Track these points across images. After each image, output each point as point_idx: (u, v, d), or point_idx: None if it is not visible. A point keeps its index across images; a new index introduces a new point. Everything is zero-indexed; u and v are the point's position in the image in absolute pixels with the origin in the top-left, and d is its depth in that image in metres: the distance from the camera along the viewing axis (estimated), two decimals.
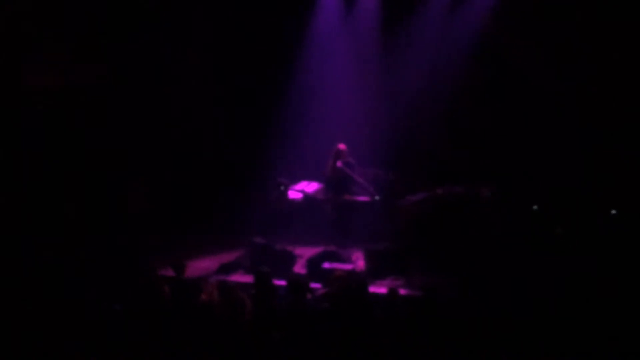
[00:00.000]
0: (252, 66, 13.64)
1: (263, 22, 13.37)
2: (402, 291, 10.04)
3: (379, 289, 10.05)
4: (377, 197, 11.62)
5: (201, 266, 11.56)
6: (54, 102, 12.71)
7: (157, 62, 13.66)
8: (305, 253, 11.68)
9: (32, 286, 9.51)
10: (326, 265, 10.71)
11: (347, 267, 10.70)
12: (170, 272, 9.95)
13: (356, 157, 11.88)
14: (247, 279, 10.58)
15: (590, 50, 12.19)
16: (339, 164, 11.65)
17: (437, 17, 13.03)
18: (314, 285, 10.10)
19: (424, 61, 13.02)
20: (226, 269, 11.43)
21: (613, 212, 11.54)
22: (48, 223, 12.15)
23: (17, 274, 10.09)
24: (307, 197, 12.16)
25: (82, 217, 12.77)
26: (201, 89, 14.20)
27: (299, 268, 11.32)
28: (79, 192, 12.92)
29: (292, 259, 11.38)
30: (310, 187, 12.39)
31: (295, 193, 12.25)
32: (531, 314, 8.39)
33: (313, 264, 10.98)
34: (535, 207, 11.68)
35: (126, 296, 9.03)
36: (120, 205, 13.38)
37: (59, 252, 11.14)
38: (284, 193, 12.18)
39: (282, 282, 9.25)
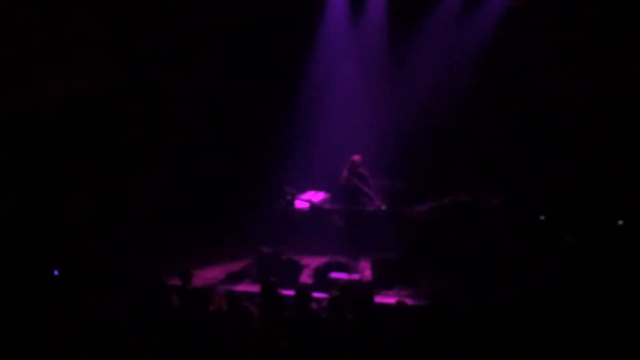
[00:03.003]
0: (260, 74, 13.64)
1: (271, 31, 13.38)
2: (410, 301, 10.06)
3: (386, 299, 10.04)
4: (383, 207, 11.63)
5: (208, 275, 11.54)
6: (63, 109, 12.73)
7: (166, 68, 13.67)
8: (311, 263, 11.67)
9: (35, 295, 9.52)
10: (333, 275, 10.70)
11: (354, 276, 10.70)
12: (177, 282, 9.96)
13: (364, 166, 11.88)
14: (254, 288, 10.57)
15: (601, 60, 12.20)
16: (344, 173, 11.64)
17: (445, 25, 13.05)
18: (321, 295, 10.11)
19: (432, 71, 13.04)
20: (233, 278, 11.43)
21: (620, 222, 11.51)
22: (54, 230, 12.16)
23: (22, 281, 10.11)
24: (314, 207, 12.16)
25: (88, 223, 12.79)
26: (209, 98, 14.22)
27: (306, 278, 11.32)
28: (85, 198, 12.93)
29: (298, 268, 11.37)
30: (317, 196, 12.40)
31: (302, 203, 12.26)
32: (539, 321, 8.38)
33: (320, 273, 10.98)
34: (542, 216, 11.66)
35: (133, 304, 9.03)
36: (126, 212, 13.37)
37: (65, 261, 11.17)
38: (291, 202, 12.19)
39: (290, 292, 9.25)
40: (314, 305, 9.05)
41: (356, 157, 11.76)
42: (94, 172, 12.92)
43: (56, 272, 10.18)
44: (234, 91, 14.02)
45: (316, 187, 12.64)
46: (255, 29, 13.48)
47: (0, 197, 11.86)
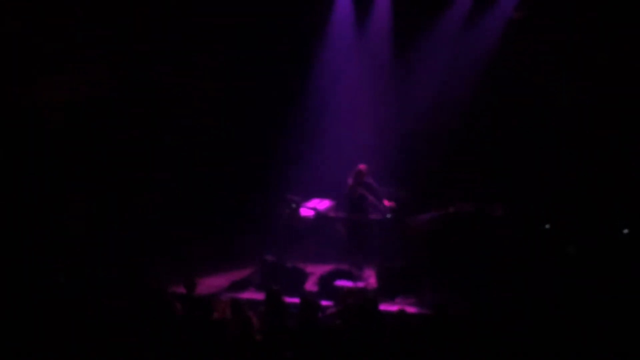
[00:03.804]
0: (265, 82, 13.64)
1: (275, 34, 13.39)
2: (414, 309, 10.06)
3: (390, 307, 10.02)
4: (388, 216, 11.61)
5: (212, 283, 11.53)
6: (64, 110, 12.76)
7: (166, 68, 13.65)
8: (316, 271, 11.66)
9: (36, 296, 9.53)
10: (338, 283, 10.69)
11: (359, 284, 10.69)
12: (181, 289, 9.96)
13: (370, 175, 11.86)
14: (259, 296, 10.57)
15: (601, 60, 12.18)
16: (359, 190, 11.60)
17: (449, 35, 13.07)
18: (326, 303, 10.11)
19: (436, 78, 13.04)
20: (237, 286, 11.43)
21: (625, 231, 11.47)
22: (55, 231, 12.17)
23: (23, 282, 10.13)
24: (319, 215, 12.15)
25: (89, 225, 12.79)
26: (214, 106, 14.22)
27: (311, 285, 11.31)
28: (88, 205, 12.94)
29: (303, 276, 11.36)
30: (322, 204, 12.38)
31: (307, 210, 12.24)
32: (542, 331, 8.36)
33: (325, 281, 10.97)
34: (547, 225, 11.63)
35: (137, 313, 9.03)
36: (127, 214, 13.35)
37: (66, 263, 11.18)
38: (296, 210, 12.18)
39: (295, 300, 9.24)
40: (319, 314, 9.06)
41: (362, 167, 11.74)
42: (95, 174, 12.92)
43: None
44: (237, 96, 13.98)
45: (321, 195, 12.61)
46: (258, 31, 13.46)
47: (2, 198, 11.88)
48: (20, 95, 12.30)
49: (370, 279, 11.39)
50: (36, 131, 12.36)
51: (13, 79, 12.15)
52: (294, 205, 12.16)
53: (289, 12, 13.18)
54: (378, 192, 11.76)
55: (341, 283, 10.66)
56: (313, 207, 12.28)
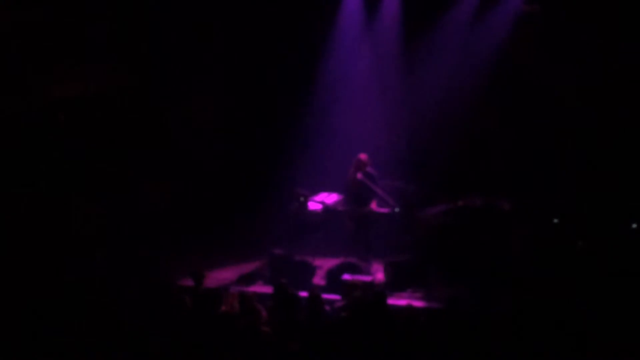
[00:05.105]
0: (273, 76, 13.66)
1: (284, 32, 13.39)
2: (422, 303, 10.07)
3: (398, 301, 10.04)
4: (396, 209, 11.61)
5: (220, 277, 11.57)
6: (76, 111, 12.82)
7: (177, 70, 13.68)
8: (324, 264, 11.69)
9: (47, 295, 9.59)
10: (345, 276, 10.70)
11: (367, 278, 10.70)
12: (189, 282, 9.99)
13: (376, 168, 11.87)
14: (267, 289, 10.61)
15: (614, 63, 12.15)
16: (359, 175, 11.64)
17: (458, 28, 13.04)
18: (334, 296, 10.13)
19: (445, 72, 13.01)
20: (245, 279, 11.46)
21: (634, 225, 11.45)
22: (66, 231, 12.22)
23: (32, 282, 10.19)
24: (327, 209, 12.15)
25: (101, 225, 12.83)
26: (222, 100, 14.24)
27: (318, 279, 11.34)
28: (97, 200, 12.99)
29: (311, 270, 11.38)
30: (330, 198, 12.38)
31: (315, 204, 12.25)
32: (551, 326, 8.36)
33: (332, 275, 10.99)
34: (555, 220, 11.61)
35: (146, 306, 9.07)
36: (137, 212, 13.39)
37: (79, 262, 11.23)
38: (304, 204, 12.19)
39: (302, 293, 9.26)
40: (326, 307, 9.09)
41: (363, 156, 11.73)
42: (102, 168, 12.97)
43: None
44: (250, 97, 14.01)
45: (329, 189, 12.62)
46: (267, 27, 13.48)
47: (11, 198, 11.94)
48: (30, 91, 12.35)
49: (377, 272, 11.40)
50: (45, 126, 12.41)
51: (22, 75, 12.21)
52: (302, 199, 12.17)
53: (298, 4, 13.17)
54: (379, 183, 11.75)
55: (349, 277, 10.67)
56: (321, 200, 12.28)
